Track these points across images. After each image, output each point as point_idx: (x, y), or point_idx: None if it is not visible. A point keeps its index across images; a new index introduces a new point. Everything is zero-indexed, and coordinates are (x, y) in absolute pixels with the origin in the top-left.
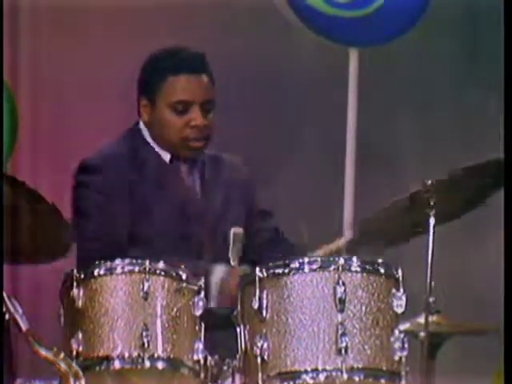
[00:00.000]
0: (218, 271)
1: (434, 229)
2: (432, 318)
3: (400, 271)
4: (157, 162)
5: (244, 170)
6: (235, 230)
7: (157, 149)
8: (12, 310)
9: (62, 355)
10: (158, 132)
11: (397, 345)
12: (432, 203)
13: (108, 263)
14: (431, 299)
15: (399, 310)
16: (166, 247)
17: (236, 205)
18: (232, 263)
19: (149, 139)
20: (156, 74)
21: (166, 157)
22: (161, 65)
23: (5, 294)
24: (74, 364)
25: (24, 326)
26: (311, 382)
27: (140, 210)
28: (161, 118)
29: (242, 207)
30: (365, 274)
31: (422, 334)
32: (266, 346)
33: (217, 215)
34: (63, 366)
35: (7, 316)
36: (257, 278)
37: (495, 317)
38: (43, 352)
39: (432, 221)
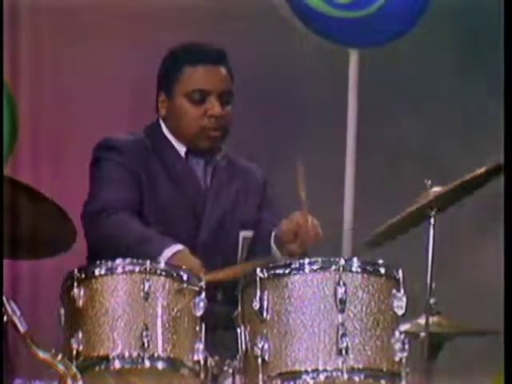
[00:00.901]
0: (167, 253)
1: (434, 229)
2: (433, 319)
3: (400, 272)
4: (173, 157)
5: (258, 175)
6: (245, 235)
7: (174, 143)
8: (10, 311)
9: (59, 357)
10: (176, 124)
11: (397, 346)
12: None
13: (109, 263)
14: (432, 300)
15: (400, 312)
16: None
17: (245, 207)
18: None
19: (167, 134)
20: (173, 67)
21: (182, 151)
22: (178, 57)
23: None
24: (72, 366)
25: (22, 328)
26: (312, 382)
27: (152, 198)
28: (178, 108)
29: (252, 210)
30: (365, 275)
31: (423, 334)
32: (266, 346)
33: (225, 214)
34: (61, 367)
35: (5, 318)
36: (257, 279)
37: (496, 318)
38: (41, 354)
39: (432, 221)
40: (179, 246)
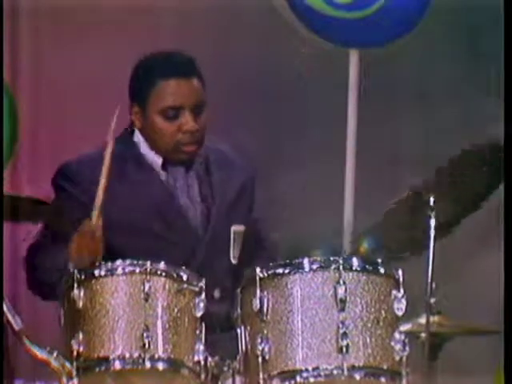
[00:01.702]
0: None
1: (434, 230)
2: (433, 319)
3: (400, 272)
4: (144, 167)
5: (248, 168)
6: (235, 228)
7: (149, 155)
8: (4, 309)
9: (55, 354)
10: (151, 138)
11: (398, 346)
12: (432, 202)
13: (109, 264)
14: (432, 300)
15: (399, 313)
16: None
17: (234, 205)
18: (233, 261)
19: (142, 145)
20: (145, 80)
21: (159, 161)
22: (150, 70)
23: None
24: (66, 363)
25: (16, 326)
26: (312, 380)
27: (119, 215)
28: (152, 124)
29: (243, 207)
30: (365, 274)
31: (423, 334)
32: (266, 346)
33: (215, 217)
34: (56, 364)
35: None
36: (257, 278)
37: (496, 317)
38: (36, 351)
39: (432, 222)
40: None
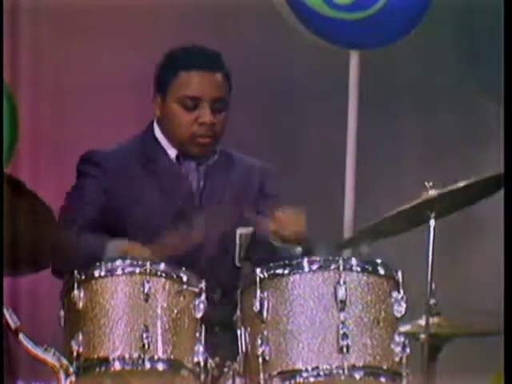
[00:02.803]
0: (112, 246)
1: (434, 231)
2: (433, 320)
3: (400, 273)
4: (163, 162)
5: (258, 171)
6: (241, 231)
7: (165, 146)
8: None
9: (52, 351)
10: (168, 128)
11: (398, 347)
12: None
13: (109, 264)
14: (432, 301)
15: (399, 315)
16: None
17: (243, 203)
18: (237, 264)
19: (159, 136)
20: (169, 70)
21: (173, 154)
22: (174, 61)
23: None
24: (63, 359)
25: (13, 324)
26: (312, 380)
27: (137, 205)
28: (170, 112)
29: (250, 206)
30: (365, 274)
31: (423, 335)
32: (267, 347)
33: (217, 215)
34: (53, 361)
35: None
36: (257, 279)
37: (495, 319)
38: (33, 349)
39: (432, 223)
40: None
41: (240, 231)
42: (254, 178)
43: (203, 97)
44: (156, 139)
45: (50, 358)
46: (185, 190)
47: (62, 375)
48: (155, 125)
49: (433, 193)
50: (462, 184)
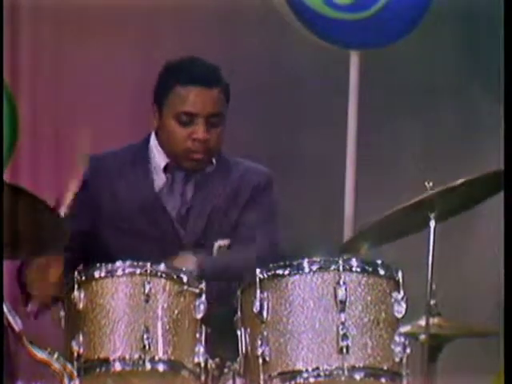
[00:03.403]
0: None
1: (434, 231)
2: (433, 321)
3: (400, 273)
4: (149, 170)
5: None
6: (220, 243)
7: (156, 155)
8: (5, 311)
9: (56, 355)
10: (163, 140)
11: (398, 348)
12: (432, 207)
13: (109, 265)
14: (432, 302)
15: (399, 315)
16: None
17: (229, 213)
18: None
19: (153, 145)
20: (166, 83)
21: (162, 164)
22: (172, 74)
23: None
24: (67, 364)
25: (17, 327)
26: (312, 381)
27: (119, 215)
28: (166, 126)
29: (234, 215)
30: (365, 275)
31: (423, 336)
32: (267, 347)
33: (206, 227)
34: (57, 366)
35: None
36: (257, 279)
37: (496, 319)
38: (37, 353)
39: (432, 223)
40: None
41: (218, 243)
42: (245, 190)
43: (198, 113)
44: (148, 149)
45: (54, 362)
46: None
47: (66, 379)
48: (153, 134)
49: (432, 193)
50: (460, 181)
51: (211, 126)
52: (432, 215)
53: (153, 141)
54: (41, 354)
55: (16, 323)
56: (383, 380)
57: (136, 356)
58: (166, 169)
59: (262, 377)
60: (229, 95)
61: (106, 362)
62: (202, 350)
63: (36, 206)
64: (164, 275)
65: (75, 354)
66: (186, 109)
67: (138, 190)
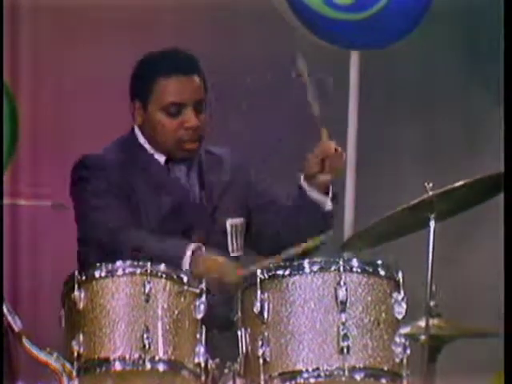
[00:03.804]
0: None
1: (434, 232)
2: (433, 322)
3: (400, 274)
4: (154, 167)
5: (244, 169)
6: (231, 222)
7: (152, 152)
8: (4, 311)
9: (55, 355)
10: (152, 135)
11: (398, 349)
12: (432, 208)
13: (109, 265)
14: (432, 303)
15: (400, 316)
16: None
17: (235, 201)
18: (232, 254)
19: (143, 143)
20: (147, 78)
21: (161, 159)
22: (151, 68)
23: None
24: (67, 364)
25: (16, 327)
26: (313, 381)
27: (136, 212)
28: (153, 120)
29: (242, 203)
30: (365, 275)
31: (423, 337)
32: (267, 348)
33: (215, 211)
34: (56, 365)
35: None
36: (258, 280)
37: (496, 320)
38: (36, 352)
39: (432, 224)
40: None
41: (230, 222)
42: (241, 175)
43: (186, 101)
44: (141, 145)
45: (53, 361)
46: (180, 194)
47: (64, 379)
48: (137, 131)
49: (432, 193)
50: (460, 183)
51: (198, 112)
52: (432, 216)
53: (141, 139)
54: (40, 354)
55: (15, 323)
56: (383, 380)
57: (136, 356)
58: (166, 163)
59: (262, 377)
60: (206, 82)
61: (106, 361)
62: (202, 350)
63: None
64: (164, 275)
65: (75, 354)
66: (174, 99)
67: (166, 192)
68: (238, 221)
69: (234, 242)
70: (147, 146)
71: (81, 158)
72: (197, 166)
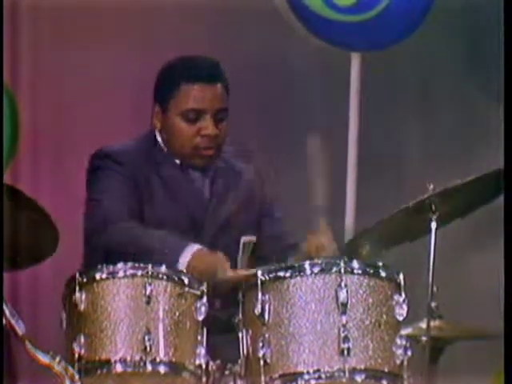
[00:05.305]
0: (188, 252)
1: (435, 233)
2: (434, 323)
3: (401, 275)
4: (170, 168)
5: (256, 181)
6: (245, 240)
7: (169, 154)
8: (7, 314)
9: (58, 358)
10: (169, 139)
11: (399, 351)
12: (434, 209)
13: (110, 267)
14: (433, 304)
15: (401, 318)
16: None
17: (246, 213)
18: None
19: (162, 145)
20: (170, 82)
21: (177, 162)
22: (175, 73)
23: None
24: (70, 367)
25: (20, 331)
26: (314, 383)
27: (150, 208)
28: (172, 125)
29: (253, 215)
30: (366, 277)
31: (424, 338)
32: (268, 350)
33: (225, 220)
34: (59, 369)
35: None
36: (259, 282)
37: (496, 321)
38: (39, 356)
39: (434, 225)
40: (197, 246)
41: (244, 239)
42: (255, 184)
43: (206, 109)
44: (160, 147)
45: (56, 365)
46: (194, 197)
47: (67, 382)
48: (157, 133)
49: (434, 194)
50: (461, 183)
51: (218, 121)
52: (433, 217)
53: (160, 140)
54: (43, 358)
55: (19, 327)
56: (384, 382)
57: (137, 358)
58: (181, 166)
59: (263, 379)
60: (229, 90)
61: (107, 363)
62: (203, 351)
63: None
64: (165, 277)
65: (76, 356)
66: (194, 106)
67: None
68: (251, 239)
69: (244, 258)
70: (165, 148)
71: (99, 148)
72: (212, 172)
